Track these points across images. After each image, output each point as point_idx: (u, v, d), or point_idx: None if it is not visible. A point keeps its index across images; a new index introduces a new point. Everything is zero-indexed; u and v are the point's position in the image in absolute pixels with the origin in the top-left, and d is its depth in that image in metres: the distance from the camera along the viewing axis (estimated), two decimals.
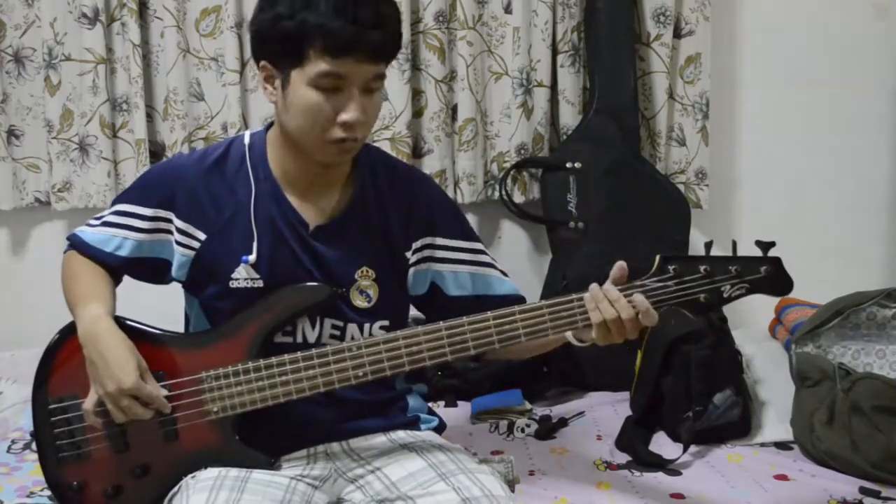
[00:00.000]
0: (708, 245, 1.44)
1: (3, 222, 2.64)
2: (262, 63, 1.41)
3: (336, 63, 1.33)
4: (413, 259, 1.54)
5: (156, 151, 2.58)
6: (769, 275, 1.40)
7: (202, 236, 1.48)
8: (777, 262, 1.41)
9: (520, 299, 1.59)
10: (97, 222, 1.55)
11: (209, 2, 2.53)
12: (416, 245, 1.54)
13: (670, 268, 1.40)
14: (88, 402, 1.42)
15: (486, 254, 1.61)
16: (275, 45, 1.37)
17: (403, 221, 1.53)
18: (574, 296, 1.40)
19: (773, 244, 1.42)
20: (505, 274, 1.63)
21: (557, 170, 2.55)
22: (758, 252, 1.42)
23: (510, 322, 1.39)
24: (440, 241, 1.56)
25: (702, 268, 1.39)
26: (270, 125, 1.51)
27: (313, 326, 1.48)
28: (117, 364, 1.39)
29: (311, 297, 1.46)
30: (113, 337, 1.42)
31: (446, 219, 1.58)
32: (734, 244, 1.43)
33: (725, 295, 1.40)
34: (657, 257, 1.41)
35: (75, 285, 1.53)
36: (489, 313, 1.40)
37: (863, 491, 1.81)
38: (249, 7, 2.49)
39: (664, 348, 2.07)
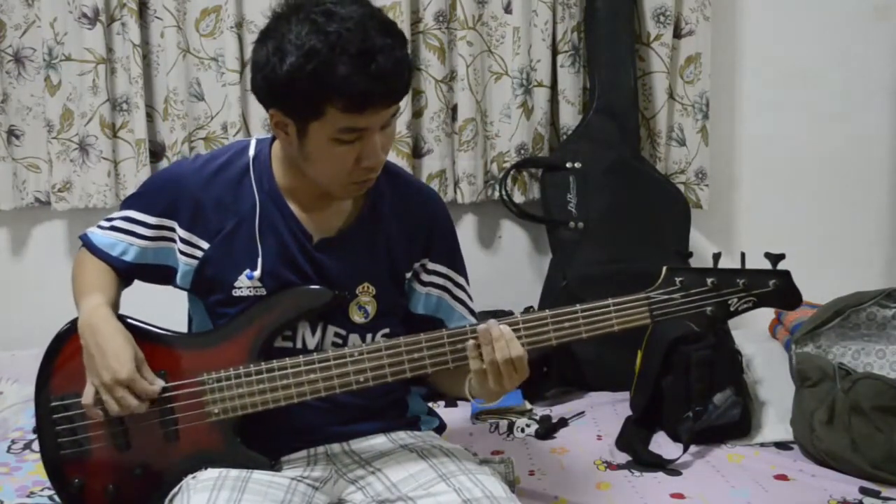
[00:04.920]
0: (716, 256, 1.42)
1: (3, 222, 2.63)
2: (272, 111, 1.37)
3: (359, 118, 1.31)
4: (407, 276, 1.56)
5: (156, 151, 2.58)
6: (778, 288, 1.39)
7: (205, 245, 1.48)
8: (786, 275, 1.40)
9: None
10: (107, 224, 1.56)
11: (209, 2, 2.53)
12: (415, 266, 1.56)
13: (677, 280, 1.39)
14: (87, 396, 1.42)
15: (464, 290, 1.61)
16: (289, 101, 1.33)
17: (407, 241, 1.54)
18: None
19: (782, 256, 1.40)
20: (474, 314, 1.62)
21: (557, 170, 2.55)
22: (765, 263, 1.40)
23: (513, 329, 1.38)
24: (430, 264, 1.57)
25: (709, 280, 1.39)
26: (275, 137, 1.50)
27: (314, 332, 1.48)
28: (114, 354, 1.39)
29: (314, 300, 1.46)
30: (110, 326, 1.42)
31: (442, 244, 1.59)
32: (742, 256, 1.41)
33: (732, 308, 1.39)
34: (664, 269, 1.40)
35: (81, 279, 1.53)
36: (493, 321, 1.39)
37: (863, 491, 1.81)
38: (249, 7, 2.49)
39: (664, 348, 2.07)
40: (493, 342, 1.35)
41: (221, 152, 1.53)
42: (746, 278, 1.39)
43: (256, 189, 1.47)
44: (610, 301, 1.39)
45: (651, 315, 1.39)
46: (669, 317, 1.39)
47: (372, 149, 1.36)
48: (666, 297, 1.39)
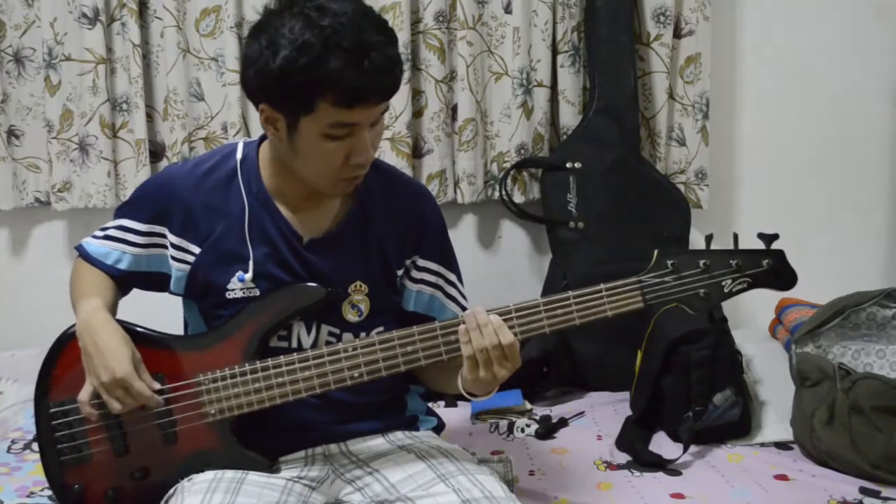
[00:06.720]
0: (708, 238, 1.41)
1: (3, 222, 2.64)
2: (262, 106, 1.37)
3: (349, 113, 1.32)
4: (399, 274, 1.55)
5: (156, 151, 2.58)
6: (772, 268, 1.38)
7: (196, 250, 1.48)
8: (780, 254, 1.39)
9: None
10: (101, 234, 1.56)
11: (209, 2, 2.52)
12: (406, 263, 1.56)
13: (668, 263, 1.38)
14: (83, 394, 1.42)
15: (456, 287, 1.61)
16: (280, 95, 1.33)
17: (399, 239, 1.54)
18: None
19: (776, 236, 1.39)
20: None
21: (557, 170, 2.55)
22: (760, 245, 1.39)
23: (507, 321, 1.38)
24: (420, 261, 1.57)
25: (701, 262, 1.38)
26: (264, 137, 1.50)
27: (309, 332, 1.48)
28: (111, 354, 1.39)
29: (307, 297, 1.46)
30: (107, 328, 1.42)
31: (433, 241, 1.59)
32: (735, 237, 1.40)
33: (726, 290, 1.38)
34: (655, 252, 1.39)
35: (78, 286, 1.54)
36: (480, 308, 1.38)
37: (863, 491, 1.81)
38: (249, 7, 2.49)
39: (664, 348, 2.07)
40: (480, 328, 1.34)
41: (209, 156, 1.53)
42: (739, 259, 1.38)
43: (245, 191, 1.47)
44: (602, 286, 1.39)
45: (644, 299, 1.38)
46: (662, 300, 1.38)
47: (362, 145, 1.36)
48: (657, 280, 1.38)
